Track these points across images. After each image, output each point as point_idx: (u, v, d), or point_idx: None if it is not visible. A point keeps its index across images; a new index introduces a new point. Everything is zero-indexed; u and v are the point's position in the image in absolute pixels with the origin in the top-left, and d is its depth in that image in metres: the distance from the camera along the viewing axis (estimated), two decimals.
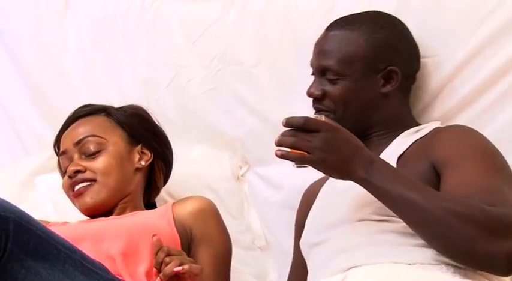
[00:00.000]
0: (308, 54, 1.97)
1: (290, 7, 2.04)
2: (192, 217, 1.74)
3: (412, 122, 1.72)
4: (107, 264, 1.56)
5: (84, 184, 1.79)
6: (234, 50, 2.12)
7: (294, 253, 1.81)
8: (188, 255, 1.62)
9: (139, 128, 1.88)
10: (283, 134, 1.41)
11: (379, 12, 1.77)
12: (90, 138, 1.82)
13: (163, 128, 1.96)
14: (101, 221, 1.76)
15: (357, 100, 1.67)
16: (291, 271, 1.82)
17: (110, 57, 2.27)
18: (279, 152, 1.41)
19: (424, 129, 1.64)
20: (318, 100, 1.69)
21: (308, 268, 1.63)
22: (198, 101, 2.16)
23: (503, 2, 1.72)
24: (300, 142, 1.39)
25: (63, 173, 1.86)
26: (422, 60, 1.78)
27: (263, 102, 2.08)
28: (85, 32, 2.31)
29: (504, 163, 1.54)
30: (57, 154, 1.90)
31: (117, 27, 2.27)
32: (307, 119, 1.41)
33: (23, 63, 2.37)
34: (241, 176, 2.11)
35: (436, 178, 1.51)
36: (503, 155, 1.61)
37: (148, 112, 1.94)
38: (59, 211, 2.07)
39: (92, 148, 1.81)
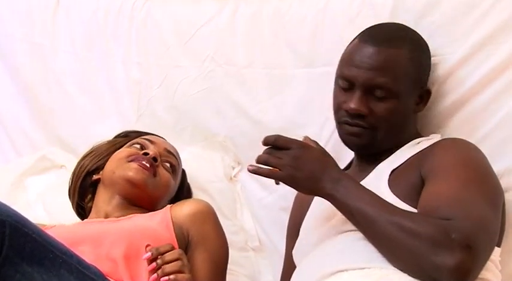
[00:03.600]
0: (300, 54, 1.99)
1: (283, 8, 2.03)
2: (189, 220, 1.73)
3: (415, 133, 1.71)
4: (107, 267, 1.56)
5: None
6: (226, 50, 2.11)
7: (285, 258, 1.81)
8: None
9: None
10: (263, 152, 1.49)
11: (405, 26, 1.73)
12: None
13: (154, 130, 1.96)
14: (100, 224, 1.75)
15: (400, 119, 1.64)
16: (282, 277, 1.82)
17: (101, 58, 2.26)
18: (250, 168, 1.50)
19: (425, 142, 1.64)
20: (360, 117, 1.62)
21: (295, 274, 1.62)
22: (190, 102, 2.15)
23: (499, 1, 1.72)
24: (271, 158, 1.48)
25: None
26: None
27: (255, 102, 2.07)
28: (77, 33, 2.30)
29: (485, 176, 1.52)
30: None
31: (109, 28, 2.26)
32: (278, 136, 1.49)
33: (14, 64, 2.37)
34: (234, 176, 2.10)
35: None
36: (501, 154, 1.63)
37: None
38: (49, 213, 2.07)
39: None
